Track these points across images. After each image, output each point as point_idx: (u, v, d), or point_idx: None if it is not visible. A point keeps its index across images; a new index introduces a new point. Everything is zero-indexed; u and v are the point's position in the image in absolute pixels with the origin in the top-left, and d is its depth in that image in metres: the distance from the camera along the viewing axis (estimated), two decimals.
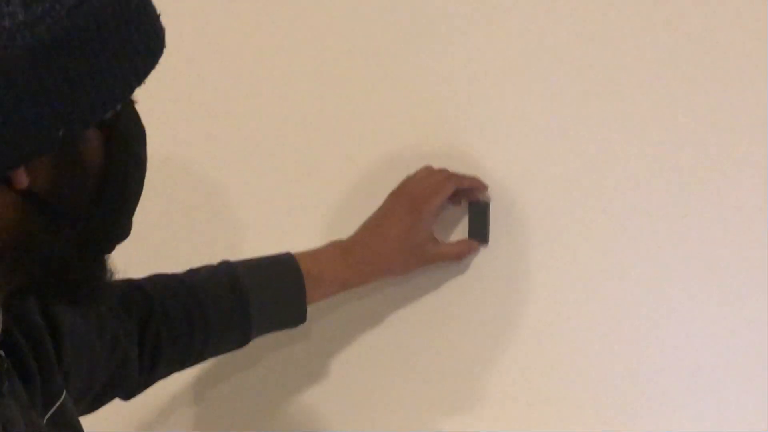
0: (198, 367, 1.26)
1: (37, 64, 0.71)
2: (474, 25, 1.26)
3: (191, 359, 1.19)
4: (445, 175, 1.25)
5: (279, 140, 1.38)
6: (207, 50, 1.41)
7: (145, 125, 0.85)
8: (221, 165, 1.41)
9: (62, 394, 0.95)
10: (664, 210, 1.19)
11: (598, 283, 1.22)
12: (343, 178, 1.34)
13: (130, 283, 1.13)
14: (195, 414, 1.45)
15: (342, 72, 1.34)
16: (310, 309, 1.24)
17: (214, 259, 1.22)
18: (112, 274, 0.86)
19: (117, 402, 1.14)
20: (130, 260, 0.91)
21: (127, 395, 1.16)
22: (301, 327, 1.25)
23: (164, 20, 0.80)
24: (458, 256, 1.27)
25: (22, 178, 0.76)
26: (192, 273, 1.19)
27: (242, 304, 1.18)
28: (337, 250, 1.25)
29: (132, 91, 0.78)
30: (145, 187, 0.86)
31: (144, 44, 0.76)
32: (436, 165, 1.26)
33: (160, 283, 1.16)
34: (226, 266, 1.20)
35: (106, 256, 0.85)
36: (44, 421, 0.92)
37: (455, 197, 1.26)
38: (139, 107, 0.84)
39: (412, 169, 1.26)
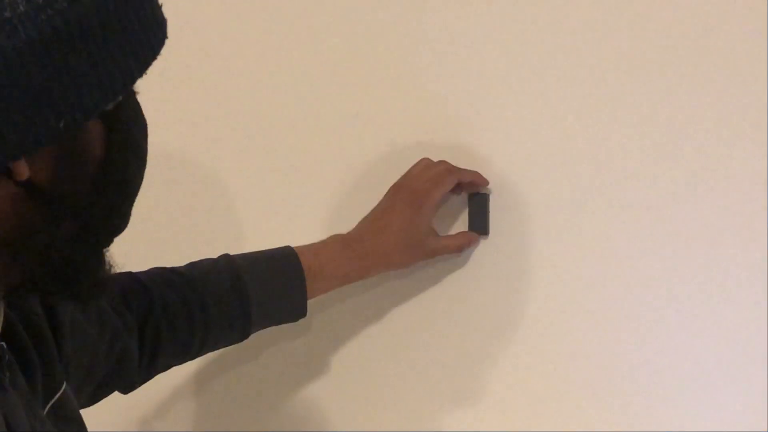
0: (198, 361, 1.26)
1: (38, 55, 0.70)
2: (473, 20, 1.26)
3: (191, 353, 1.19)
4: (446, 168, 1.25)
5: (280, 133, 1.38)
6: (208, 44, 1.41)
7: (146, 118, 0.85)
8: (222, 158, 1.41)
9: (63, 385, 0.95)
10: (664, 202, 1.19)
11: (598, 273, 1.22)
12: (344, 172, 1.34)
13: (130, 276, 1.13)
14: (195, 408, 1.45)
15: (342, 66, 1.34)
16: (310, 303, 1.23)
17: (214, 253, 1.21)
18: (111, 267, 0.85)
19: (116, 395, 1.14)
20: (130, 254, 0.91)
21: (127, 388, 1.15)
22: (302, 321, 1.25)
23: (166, 13, 0.80)
24: (459, 248, 1.27)
25: (22, 170, 0.76)
26: (192, 266, 1.19)
27: (242, 298, 1.18)
28: (338, 244, 1.25)
29: (134, 82, 0.77)
30: (144, 180, 0.85)
31: (146, 35, 0.76)
32: (436, 159, 1.26)
33: (159, 276, 1.16)
34: (226, 260, 1.20)
35: (106, 249, 0.85)
36: (45, 412, 0.92)
37: (455, 189, 1.26)
38: (140, 100, 0.84)
39: (412, 164, 1.26)
